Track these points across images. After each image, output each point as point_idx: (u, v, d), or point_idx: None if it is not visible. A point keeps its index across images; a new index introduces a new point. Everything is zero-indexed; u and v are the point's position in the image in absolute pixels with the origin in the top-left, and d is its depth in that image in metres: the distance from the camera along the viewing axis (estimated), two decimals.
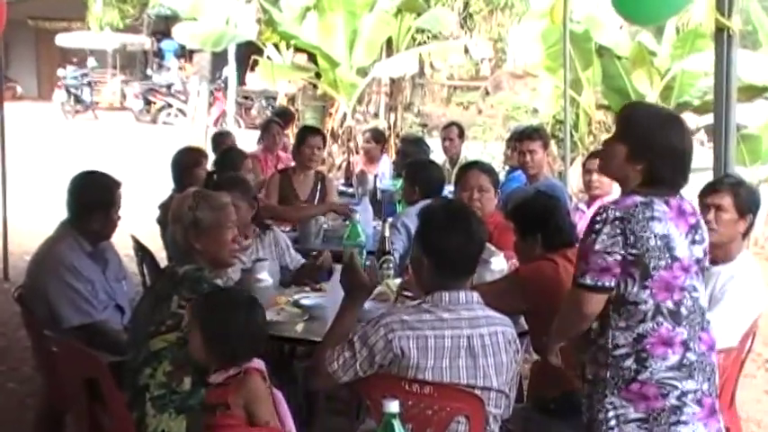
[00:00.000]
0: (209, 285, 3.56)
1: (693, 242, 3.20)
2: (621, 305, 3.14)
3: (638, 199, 3.12)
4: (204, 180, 5.83)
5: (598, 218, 3.11)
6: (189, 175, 6.13)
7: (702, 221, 3.29)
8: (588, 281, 3.10)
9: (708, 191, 4.26)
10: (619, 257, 3.07)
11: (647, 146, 3.17)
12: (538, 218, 4.11)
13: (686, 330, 3.15)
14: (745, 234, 4.27)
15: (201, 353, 3.27)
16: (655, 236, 3.09)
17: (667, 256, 3.11)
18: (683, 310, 3.15)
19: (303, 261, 5.24)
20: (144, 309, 3.66)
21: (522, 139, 6.91)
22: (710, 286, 4.15)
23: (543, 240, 4.05)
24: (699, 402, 3.16)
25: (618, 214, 3.08)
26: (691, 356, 3.15)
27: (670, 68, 11.57)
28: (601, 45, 11.85)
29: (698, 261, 3.22)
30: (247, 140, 10.46)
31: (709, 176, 4.70)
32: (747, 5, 12.09)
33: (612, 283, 3.10)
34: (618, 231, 3.06)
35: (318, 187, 7.00)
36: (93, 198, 4.38)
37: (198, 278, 3.59)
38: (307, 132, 7.22)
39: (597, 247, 3.07)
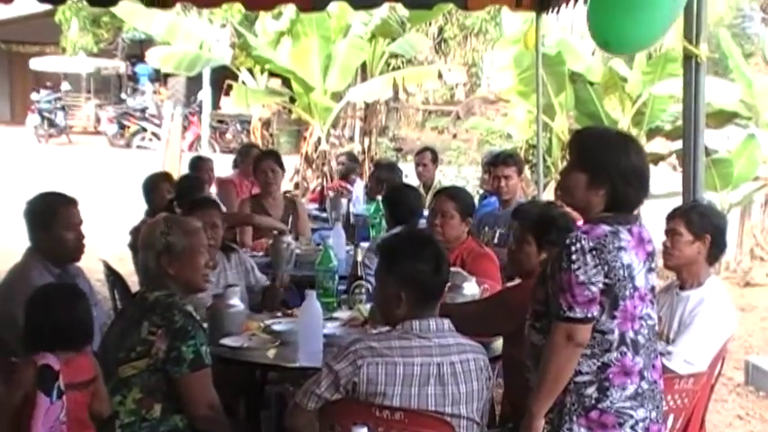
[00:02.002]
0: (180, 312, 3.56)
1: (649, 270, 3.20)
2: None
3: (607, 228, 3.10)
4: (166, 206, 5.84)
5: (573, 248, 3.06)
6: (159, 199, 6.15)
7: (654, 249, 3.28)
8: (578, 314, 3.05)
9: (666, 218, 4.34)
10: (601, 286, 3.05)
11: (607, 169, 3.15)
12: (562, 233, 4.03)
13: (642, 360, 3.16)
14: (712, 258, 4.29)
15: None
16: (623, 266, 3.08)
17: (630, 285, 3.11)
18: (641, 339, 3.16)
19: (268, 283, 5.25)
20: (114, 335, 3.65)
21: (497, 164, 6.93)
22: (680, 311, 4.19)
23: None
24: (647, 430, 3.17)
25: (591, 244, 3.05)
26: (644, 385, 3.17)
27: (641, 94, 11.67)
28: (573, 71, 11.93)
29: (652, 289, 3.23)
30: (222, 165, 10.41)
31: (680, 201, 4.73)
32: (717, 32, 12.24)
33: (597, 313, 3.07)
34: (597, 261, 3.04)
35: (290, 211, 7.00)
36: (38, 217, 4.32)
37: (169, 304, 3.58)
38: (259, 158, 7.27)
39: (582, 278, 3.04)
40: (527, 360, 3.34)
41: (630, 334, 3.13)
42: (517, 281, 4.32)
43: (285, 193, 7.66)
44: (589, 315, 3.06)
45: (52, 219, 4.31)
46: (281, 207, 6.98)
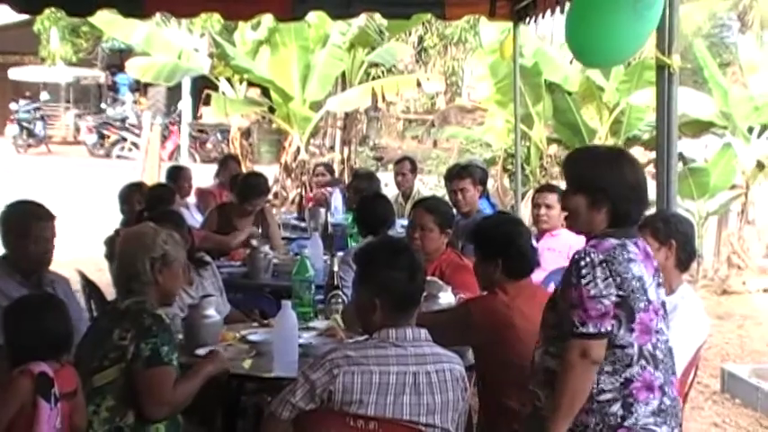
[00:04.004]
0: (150, 315, 3.60)
1: (658, 285, 3.18)
2: (608, 349, 3.05)
3: (615, 241, 3.08)
4: (136, 216, 5.85)
5: (582, 263, 3.03)
6: (131, 210, 6.19)
7: (659, 264, 3.29)
8: (591, 329, 2.99)
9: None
10: (614, 299, 3.01)
11: (604, 188, 3.14)
12: (499, 243, 4.02)
13: (662, 375, 3.12)
14: (682, 265, 4.31)
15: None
16: (634, 277, 3.05)
17: (644, 297, 3.08)
18: (659, 354, 3.12)
19: (230, 307, 5.23)
20: (86, 345, 3.66)
21: (452, 178, 6.96)
22: None
23: (504, 266, 3.97)
24: None
25: (601, 257, 3.02)
26: (666, 401, 3.12)
27: (618, 103, 11.74)
28: (551, 81, 12.00)
29: (663, 304, 3.20)
30: (203, 175, 10.41)
31: (653, 210, 4.76)
32: (692, 42, 12.35)
33: (611, 328, 3.02)
34: (607, 274, 3.01)
35: (259, 219, 7.03)
36: (8, 228, 4.37)
37: (139, 310, 3.62)
38: (254, 192, 7.04)
39: (593, 292, 2.99)
40: (535, 387, 3.26)
41: (649, 347, 3.09)
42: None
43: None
44: (602, 330, 3.00)
45: (24, 232, 4.33)
46: (250, 219, 6.99)
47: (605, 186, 3.14)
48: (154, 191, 6.98)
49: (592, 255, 3.03)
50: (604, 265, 3.01)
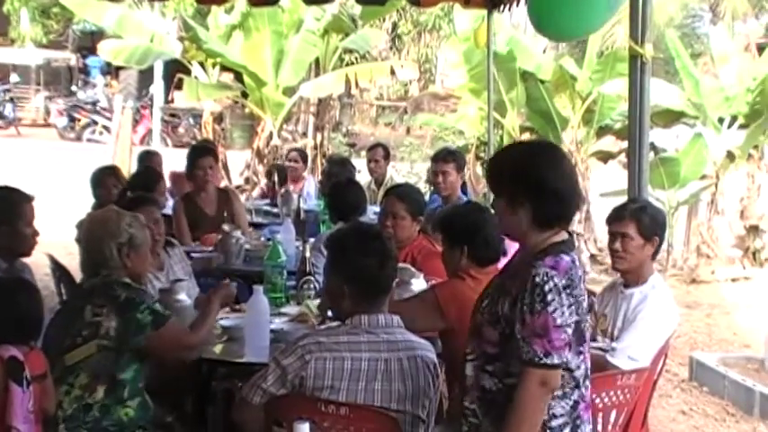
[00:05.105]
0: (120, 285, 3.63)
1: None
2: None
3: (567, 259, 2.88)
4: (117, 198, 5.83)
5: (546, 288, 2.80)
6: (105, 194, 6.15)
7: None
8: (555, 360, 2.80)
9: (612, 219, 4.30)
10: (573, 326, 2.84)
11: (543, 185, 2.91)
12: (466, 230, 4.07)
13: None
14: (654, 254, 4.34)
15: None
16: (584, 298, 2.93)
17: (587, 316, 3.00)
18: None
19: (198, 291, 5.17)
20: (56, 327, 3.68)
21: (437, 160, 7.03)
22: (624, 308, 4.23)
23: (470, 253, 4.03)
24: None
25: (564, 282, 2.82)
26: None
27: (591, 92, 11.77)
28: (524, 69, 12.00)
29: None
30: (174, 159, 10.32)
31: (625, 199, 4.78)
32: (664, 32, 12.39)
33: (570, 356, 2.88)
34: (571, 300, 2.82)
35: (224, 203, 6.99)
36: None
37: (107, 283, 3.65)
38: (195, 155, 7.09)
39: (559, 321, 2.79)
40: (471, 404, 3.05)
41: (588, 365, 3.00)
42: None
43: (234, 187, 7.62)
44: (564, 360, 2.85)
45: (15, 214, 4.27)
46: (214, 201, 6.95)
47: (542, 179, 2.91)
48: (140, 175, 6.98)
49: (555, 279, 2.81)
50: (568, 290, 2.82)
